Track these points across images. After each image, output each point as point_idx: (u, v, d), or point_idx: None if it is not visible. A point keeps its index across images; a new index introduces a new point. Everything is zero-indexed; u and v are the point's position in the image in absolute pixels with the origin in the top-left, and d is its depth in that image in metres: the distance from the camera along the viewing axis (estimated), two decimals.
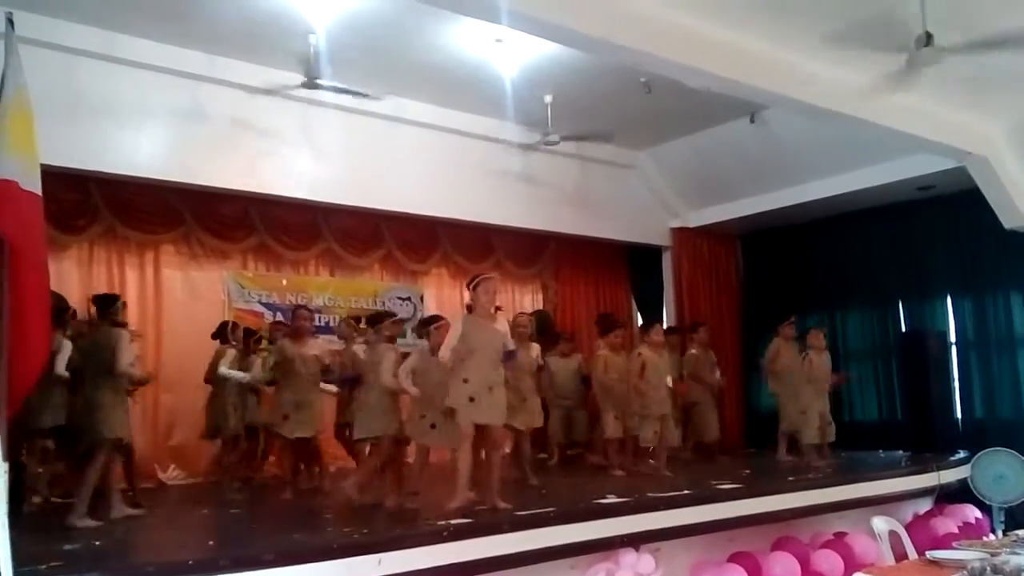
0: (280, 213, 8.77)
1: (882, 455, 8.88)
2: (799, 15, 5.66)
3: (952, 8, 5.48)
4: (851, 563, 5.93)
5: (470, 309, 5.61)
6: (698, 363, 9.11)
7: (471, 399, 5.27)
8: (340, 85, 7.33)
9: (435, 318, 6.36)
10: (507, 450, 7.51)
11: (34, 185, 3.37)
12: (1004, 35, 5.84)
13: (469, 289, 5.57)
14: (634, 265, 11.84)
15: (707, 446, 9.05)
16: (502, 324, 5.59)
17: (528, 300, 11.12)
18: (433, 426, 5.67)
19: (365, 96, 7.44)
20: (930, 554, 3.76)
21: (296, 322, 7.16)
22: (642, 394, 7.53)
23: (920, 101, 6.89)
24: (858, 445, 8.71)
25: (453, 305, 10.34)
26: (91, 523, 5.15)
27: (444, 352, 5.37)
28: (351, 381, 6.71)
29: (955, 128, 7.34)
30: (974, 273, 9.62)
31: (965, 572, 3.21)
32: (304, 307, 7.69)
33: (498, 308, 5.76)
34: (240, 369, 7.31)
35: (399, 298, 9.73)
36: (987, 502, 7.90)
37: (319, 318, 8.91)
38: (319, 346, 7.22)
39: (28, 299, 3.19)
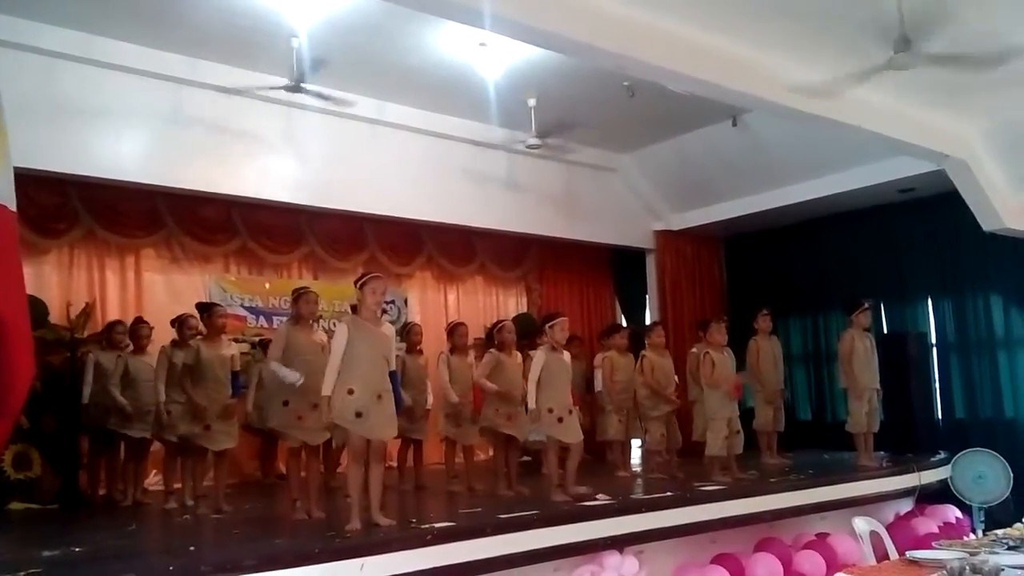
0: (263, 216, 8.74)
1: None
2: (780, 19, 5.69)
3: (930, 12, 5.52)
4: (833, 564, 5.96)
5: (354, 310, 5.21)
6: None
7: (358, 414, 4.84)
8: (323, 90, 7.34)
9: (555, 314, 6.46)
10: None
11: None
12: (981, 39, 5.91)
13: (356, 288, 5.16)
14: (618, 268, 11.88)
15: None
16: (388, 328, 5.21)
17: (512, 303, 11.13)
18: (561, 420, 6.02)
19: (347, 103, 7.42)
20: (910, 554, 3.77)
21: (213, 320, 6.42)
22: (652, 395, 7.61)
23: (899, 104, 6.95)
24: (838, 446, 8.75)
25: (437, 309, 10.37)
26: None
27: (335, 359, 4.95)
28: None
29: (934, 131, 7.41)
30: (954, 275, 9.73)
31: (945, 572, 3.23)
32: (218, 304, 7.01)
33: (384, 311, 5.65)
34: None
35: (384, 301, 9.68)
36: (967, 502, 7.97)
37: None
38: (233, 347, 6.62)
39: (5, 312, 3.09)
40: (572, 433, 6.09)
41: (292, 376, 5.52)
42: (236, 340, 7.88)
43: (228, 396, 6.24)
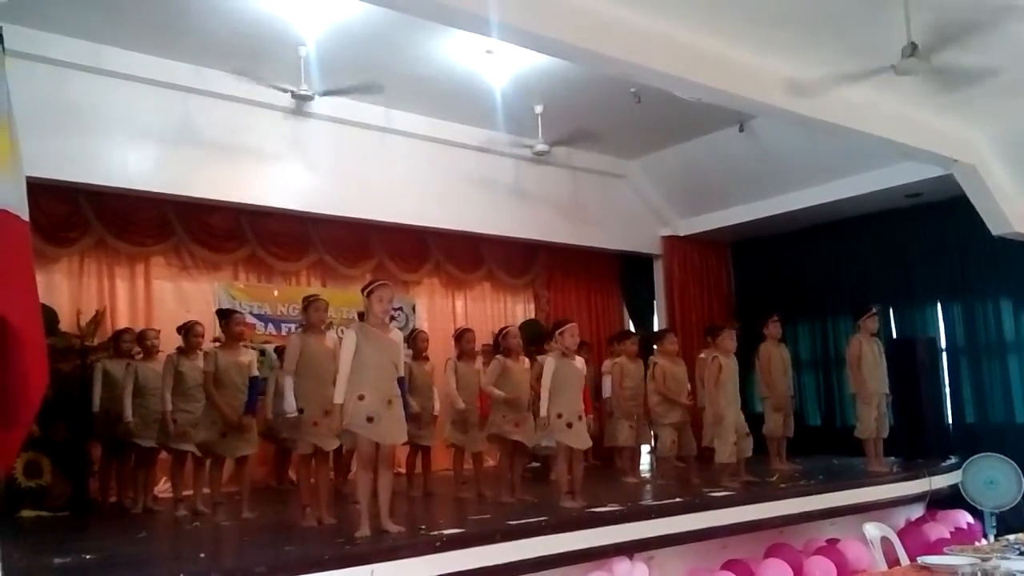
0: (271, 224, 8.77)
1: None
2: (787, 25, 5.70)
3: (937, 17, 5.52)
4: (844, 569, 5.95)
5: (362, 317, 5.29)
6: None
7: (370, 419, 4.89)
8: (333, 87, 7.33)
9: (564, 321, 6.51)
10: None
11: (6, 202, 3.21)
12: (989, 43, 5.90)
13: (364, 295, 5.21)
14: (625, 274, 11.87)
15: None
16: (396, 335, 5.29)
17: (520, 309, 11.13)
18: (570, 425, 6.01)
19: (363, 90, 7.41)
20: (922, 560, 3.75)
21: (231, 327, 6.43)
22: (664, 402, 7.60)
23: (906, 109, 6.95)
24: (848, 452, 8.71)
25: (445, 315, 10.38)
26: None
27: (345, 366, 4.99)
28: None
29: (942, 136, 7.40)
30: (963, 280, 9.70)
31: None
32: (237, 311, 7.05)
33: (392, 318, 5.70)
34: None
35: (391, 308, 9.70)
36: (978, 507, 7.93)
37: None
38: (250, 354, 6.64)
39: (17, 321, 3.10)
40: (581, 439, 6.09)
41: (291, 406, 5.60)
42: (244, 347, 7.91)
43: (244, 404, 6.27)
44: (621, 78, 6.48)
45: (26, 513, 6.63)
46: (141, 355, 7.14)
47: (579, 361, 6.26)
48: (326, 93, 7.36)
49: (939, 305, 10.00)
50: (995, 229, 8.14)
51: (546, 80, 7.74)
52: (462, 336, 7.26)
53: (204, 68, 7.50)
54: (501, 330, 7.11)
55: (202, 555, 4.74)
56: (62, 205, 7.59)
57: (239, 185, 7.93)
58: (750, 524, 6.11)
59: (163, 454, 7.05)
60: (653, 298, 11.62)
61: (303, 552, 4.54)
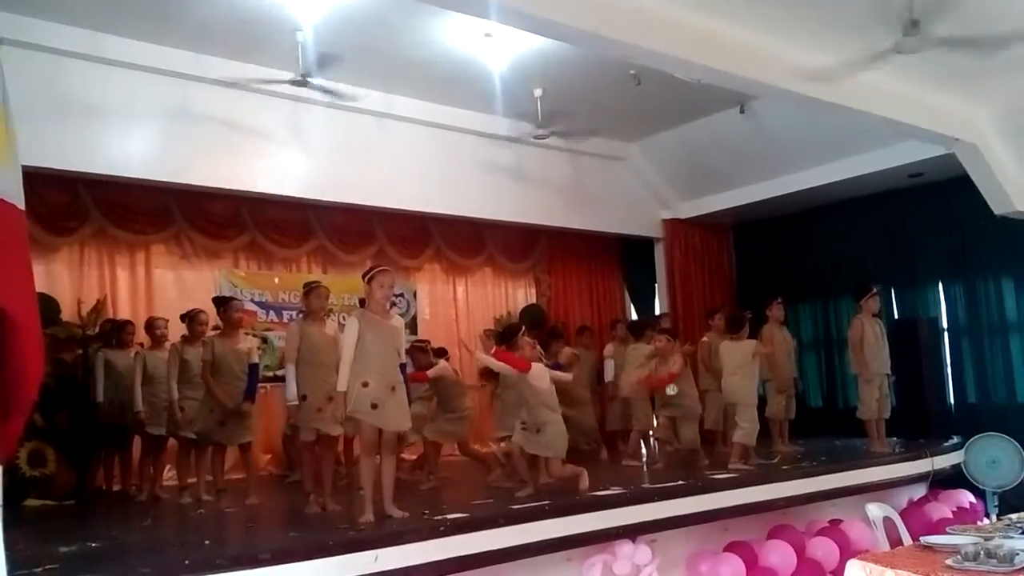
0: (271, 211, 8.75)
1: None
2: (787, 4, 5.66)
3: None
4: (846, 550, 5.96)
5: (363, 303, 5.30)
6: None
7: (374, 406, 4.90)
8: (328, 85, 7.34)
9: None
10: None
11: (2, 191, 3.20)
12: (991, 21, 5.86)
13: (364, 281, 5.19)
14: (626, 257, 11.84)
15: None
16: (398, 321, 5.30)
17: (521, 294, 11.12)
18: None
19: (352, 99, 7.46)
20: (924, 539, 3.76)
21: (228, 315, 6.47)
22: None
23: (908, 88, 6.91)
24: (850, 433, 8.73)
25: (446, 301, 10.38)
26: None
27: (348, 353, 4.98)
28: None
29: (943, 115, 7.36)
30: (965, 259, 9.68)
31: (959, 556, 3.23)
32: (235, 299, 7.05)
33: (393, 304, 5.67)
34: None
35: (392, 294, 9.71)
36: (981, 487, 7.95)
37: None
38: (250, 341, 6.69)
39: (14, 311, 3.09)
40: (532, 444, 5.99)
41: (292, 394, 5.61)
42: (245, 334, 7.93)
43: (243, 391, 6.27)
44: (621, 60, 6.44)
45: (31, 502, 6.65)
46: (151, 344, 7.16)
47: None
48: (323, 89, 7.34)
49: (941, 285, 9.99)
50: (997, 208, 8.11)
51: (545, 63, 7.69)
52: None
53: (202, 55, 7.44)
54: (516, 327, 7.02)
55: (207, 542, 4.76)
56: (61, 194, 7.58)
57: (239, 172, 7.90)
58: (753, 506, 6.12)
59: (170, 442, 7.07)
60: (654, 281, 11.61)
61: (307, 538, 4.55)
